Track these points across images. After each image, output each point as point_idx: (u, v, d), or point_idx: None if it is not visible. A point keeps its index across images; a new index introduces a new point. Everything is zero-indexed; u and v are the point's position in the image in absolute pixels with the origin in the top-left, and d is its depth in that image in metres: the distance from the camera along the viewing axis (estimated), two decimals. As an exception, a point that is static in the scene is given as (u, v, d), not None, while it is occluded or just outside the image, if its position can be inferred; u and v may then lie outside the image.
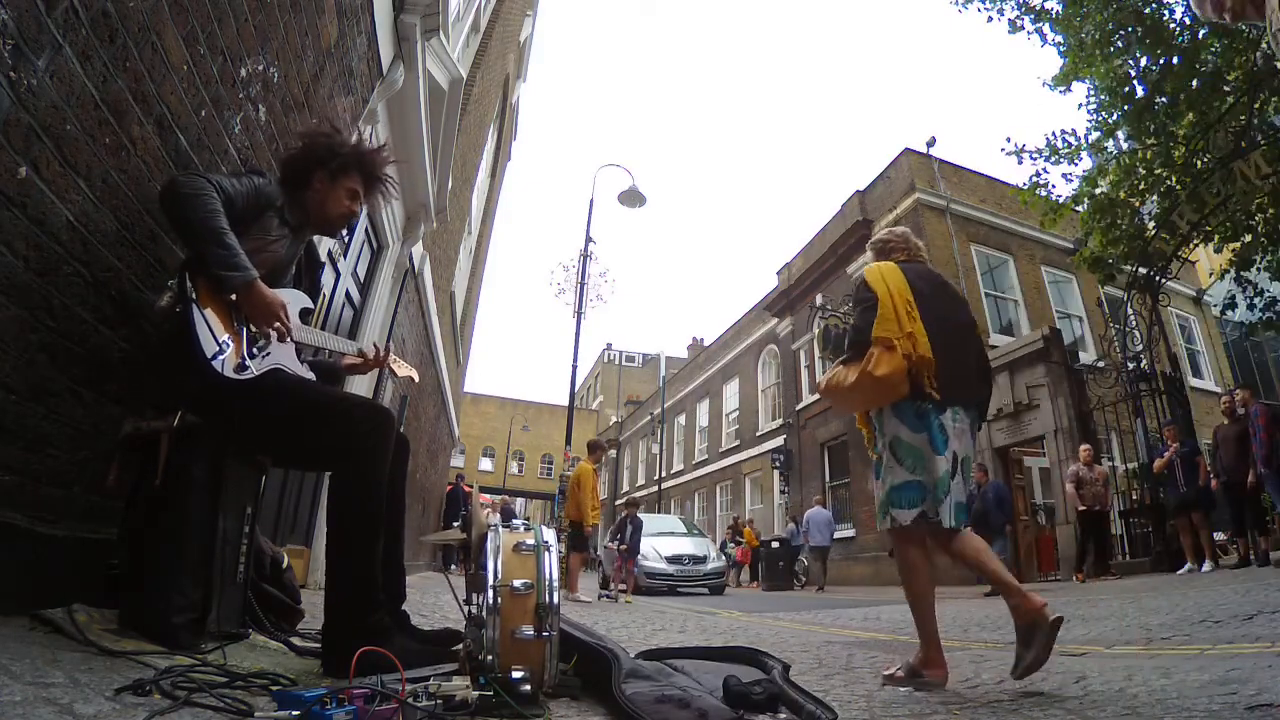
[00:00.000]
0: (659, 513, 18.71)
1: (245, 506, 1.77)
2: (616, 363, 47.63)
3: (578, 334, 10.25)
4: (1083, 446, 8.31)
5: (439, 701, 1.18)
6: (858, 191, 15.09)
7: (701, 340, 32.95)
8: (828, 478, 15.07)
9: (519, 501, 37.54)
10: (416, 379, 2.45)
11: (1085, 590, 6.59)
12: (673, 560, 10.89)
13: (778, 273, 18.35)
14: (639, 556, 9.97)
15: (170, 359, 1.54)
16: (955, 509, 1.99)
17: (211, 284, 1.52)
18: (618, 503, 15.79)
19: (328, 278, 3.76)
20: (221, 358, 1.51)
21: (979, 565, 1.96)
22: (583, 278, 10.71)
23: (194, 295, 1.49)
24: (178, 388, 1.55)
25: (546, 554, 1.47)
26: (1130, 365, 9.22)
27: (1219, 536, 7.58)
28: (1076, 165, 8.67)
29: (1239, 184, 7.19)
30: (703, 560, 11.10)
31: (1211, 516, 7.07)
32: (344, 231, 2.12)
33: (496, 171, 12.57)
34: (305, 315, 1.87)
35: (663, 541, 11.31)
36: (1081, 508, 7.86)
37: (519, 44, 11.42)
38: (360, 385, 4.43)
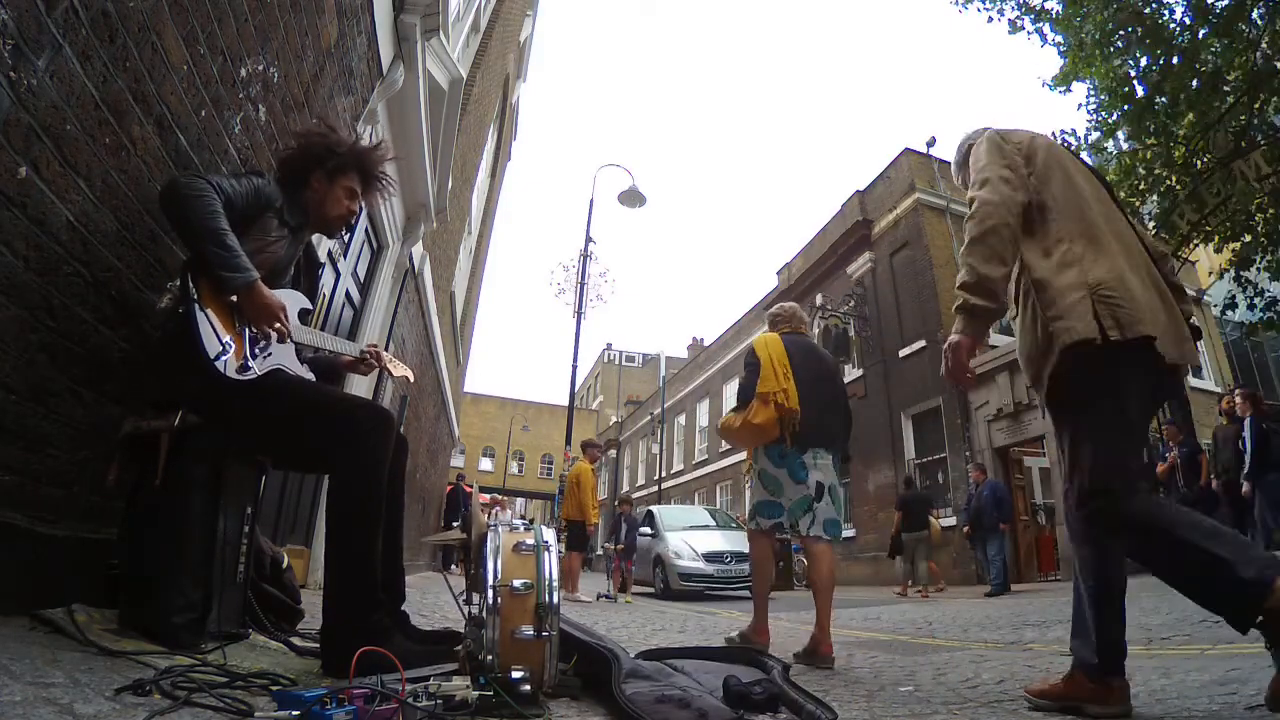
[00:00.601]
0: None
1: (245, 506, 1.77)
2: (616, 363, 47.61)
3: (578, 334, 10.24)
4: None
5: (439, 701, 1.18)
6: (858, 191, 15.09)
7: (701, 340, 32.94)
8: (828, 478, 15.04)
9: (519, 501, 37.53)
10: (412, 379, 2.45)
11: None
12: (712, 558, 9.17)
13: (778, 273, 18.37)
14: (671, 555, 9.49)
15: (171, 359, 1.54)
16: (826, 524, 2.68)
17: (213, 285, 1.52)
18: (616, 502, 15.77)
19: (328, 278, 3.76)
20: (224, 358, 1.52)
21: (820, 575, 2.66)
22: (583, 278, 10.69)
23: (196, 296, 1.49)
24: (179, 387, 1.55)
25: (546, 554, 1.47)
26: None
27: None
28: (1076, 165, 8.65)
29: (1239, 184, 7.18)
30: (746, 558, 9.91)
31: (1213, 516, 7.07)
32: (344, 231, 2.12)
33: (496, 171, 12.57)
34: (304, 316, 1.88)
35: (697, 536, 9.73)
36: None
37: (519, 44, 11.41)
38: (360, 386, 4.43)
